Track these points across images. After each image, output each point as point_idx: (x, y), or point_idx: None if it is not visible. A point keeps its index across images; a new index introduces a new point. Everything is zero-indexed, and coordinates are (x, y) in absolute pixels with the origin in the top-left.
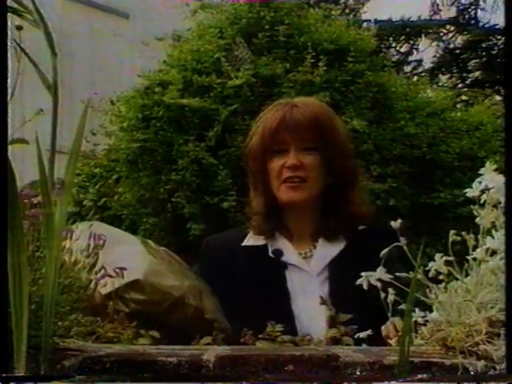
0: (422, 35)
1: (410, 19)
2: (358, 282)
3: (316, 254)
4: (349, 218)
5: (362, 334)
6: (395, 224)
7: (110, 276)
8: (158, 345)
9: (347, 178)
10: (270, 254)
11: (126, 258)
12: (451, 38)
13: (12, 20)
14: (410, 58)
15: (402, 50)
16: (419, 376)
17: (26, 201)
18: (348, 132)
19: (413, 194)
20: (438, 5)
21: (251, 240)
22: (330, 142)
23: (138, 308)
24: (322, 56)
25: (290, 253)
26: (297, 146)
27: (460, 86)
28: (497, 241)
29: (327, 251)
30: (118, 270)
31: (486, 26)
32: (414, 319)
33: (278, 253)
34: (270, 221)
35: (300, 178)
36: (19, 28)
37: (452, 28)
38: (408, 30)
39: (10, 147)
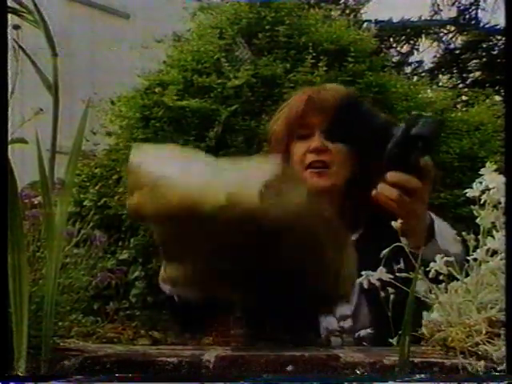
0: (423, 36)
1: (411, 20)
2: (359, 280)
3: None
4: (371, 212)
5: (362, 332)
6: (395, 224)
7: (110, 276)
8: None
9: (376, 173)
10: None
11: None
12: (451, 38)
13: (11, 19)
14: (411, 59)
15: (403, 50)
16: (419, 376)
17: (26, 201)
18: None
19: None
20: (438, 5)
21: None
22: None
23: None
24: (322, 56)
25: None
26: (322, 129)
27: (460, 86)
28: (497, 241)
29: None
30: (117, 271)
31: (487, 26)
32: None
33: None
34: None
35: (324, 163)
36: (16, 27)
37: (452, 28)
38: (408, 30)
39: (9, 147)
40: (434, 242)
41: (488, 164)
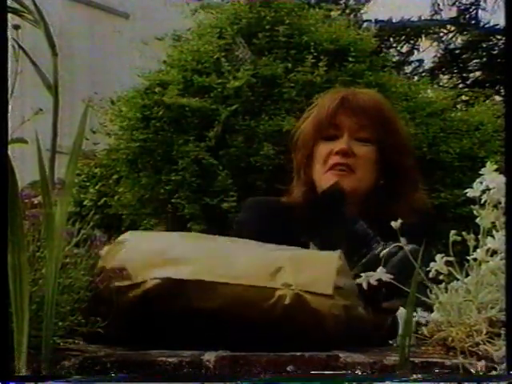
0: (423, 35)
1: (411, 20)
2: (358, 281)
3: None
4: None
5: None
6: (395, 224)
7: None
8: None
9: (402, 180)
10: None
11: None
12: (451, 38)
13: (11, 19)
14: (411, 58)
15: (403, 50)
16: (419, 376)
17: (26, 201)
18: (408, 130)
19: None
20: (438, 5)
21: None
22: (390, 136)
23: None
24: (322, 56)
25: None
26: (351, 132)
27: (460, 86)
28: (497, 241)
29: None
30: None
31: (487, 26)
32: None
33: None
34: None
35: (348, 167)
36: (17, 27)
37: (452, 28)
38: (408, 30)
39: (10, 147)
40: None
41: (488, 164)
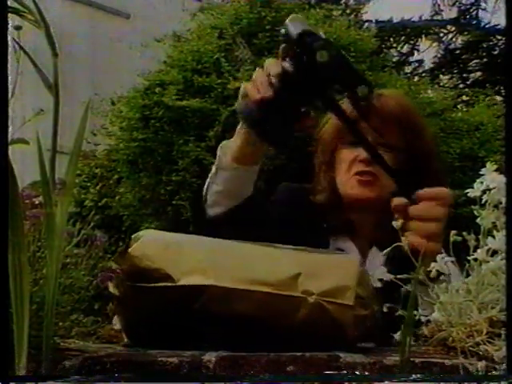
0: (423, 36)
1: (411, 20)
2: None
3: (368, 263)
4: None
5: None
6: (396, 223)
7: (111, 276)
8: None
9: (427, 186)
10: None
11: None
12: (452, 38)
13: (12, 20)
14: (411, 59)
15: (403, 50)
16: (419, 376)
17: (26, 201)
18: (432, 134)
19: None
20: (438, 5)
21: None
22: (416, 141)
23: None
24: None
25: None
26: (375, 139)
27: (461, 86)
28: (498, 241)
29: (377, 261)
30: (118, 270)
31: (487, 26)
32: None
33: None
34: (332, 218)
35: (373, 175)
36: (18, 28)
37: (453, 28)
38: (408, 30)
39: (10, 147)
40: None
41: (488, 164)
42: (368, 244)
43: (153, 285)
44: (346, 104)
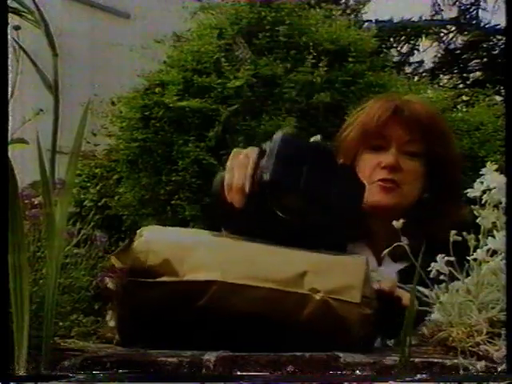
0: (423, 36)
1: (411, 20)
2: None
3: (383, 270)
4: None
5: None
6: (397, 224)
7: (110, 276)
8: None
9: (448, 194)
10: None
11: None
12: (452, 38)
13: (11, 20)
14: (411, 59)
15: (403, 50)
16: (419, 376)
17: (26, 201)
18: (455, 140)
19: None
20: (439, 5)
21: None
22: (442, 149)
23: None
24: (322, 56)
25: (373, 266)
26: (400, 145)
27: (461, 86)
28: (498, 241)
29: (390, 270)
30: (118, 269)
31: (487, 26)
32: None
33: None
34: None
35: (395, 183)
36: (17, 28)
37: (453, 28)
38: (409, 30)
39: (10, 147)
40: None
41: (489, 164)
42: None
43: (158, 280)
44: (378, 105)
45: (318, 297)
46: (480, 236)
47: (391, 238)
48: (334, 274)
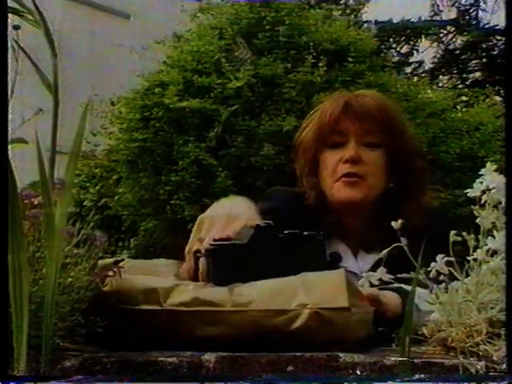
0: (423, 36)
1: (411, 20)
2: (360, 282)
3: (359, 263)
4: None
5: None
6: (396, 224)
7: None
8: None
9: (412, 182)
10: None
11: None
12: (451, 38)
13: (11, 19)
14: (411, 59)
15: (403, 50)
16: (419, 376)
17: (26, 201)
18: (412, 132)
19: None
20: (438, 6)
21: None
22: (398, 138)
23: None
24: (322, 56)
25: (350, 259)
26: (358, 138)
27: (460, 86)
28: (497, 241)
29: (365, 264)
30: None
31: (487, 26)
32: None
33: (337, 257)
34: (322, 222)
35: (359, 176)
36: (17, 27)
37: (452, 29)
38: (408, 30)
39: (10, 147)
40: None
41: (488, 164)
42: (358, 245)
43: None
44: (330, 103)
45: (306, 310)
46: (480, 236)
47: (363, 229)
48: (318, 288)
